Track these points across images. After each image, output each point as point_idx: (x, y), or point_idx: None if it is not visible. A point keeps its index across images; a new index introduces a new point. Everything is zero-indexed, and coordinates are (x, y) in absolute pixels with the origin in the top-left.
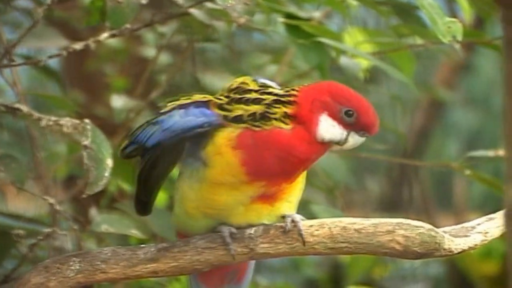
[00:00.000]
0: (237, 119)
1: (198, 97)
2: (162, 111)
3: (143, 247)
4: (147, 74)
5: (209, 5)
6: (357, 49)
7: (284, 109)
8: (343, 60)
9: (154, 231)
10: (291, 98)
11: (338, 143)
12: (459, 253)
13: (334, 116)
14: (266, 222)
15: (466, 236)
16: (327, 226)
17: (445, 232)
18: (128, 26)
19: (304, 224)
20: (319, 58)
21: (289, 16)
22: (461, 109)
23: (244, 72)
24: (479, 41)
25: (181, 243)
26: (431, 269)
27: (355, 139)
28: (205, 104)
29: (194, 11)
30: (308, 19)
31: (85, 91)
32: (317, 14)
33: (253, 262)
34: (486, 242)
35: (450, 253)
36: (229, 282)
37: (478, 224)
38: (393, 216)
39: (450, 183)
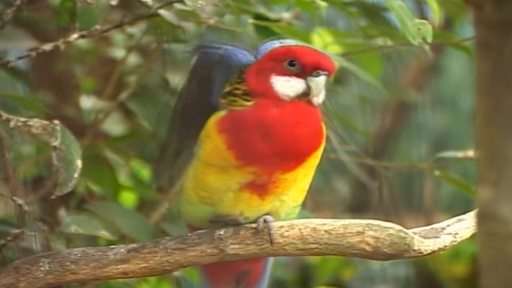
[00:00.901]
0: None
1: None
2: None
3: (113, 248)
4: (116, 75)
5: (178, 6)
6: (326, 50)
7: (244, 87)
8: None
9: (123, 232)
10: (242, 77)
11: (305, 94)
12: (428, 254)
13: (282, 73)
14: (257, 216)
15: (436, 237)
16: (297, 227)
17: (414, 233)
18: (98, 27)
19: (274, 225)
20: None
21: (259, 17)
22: (430, 110)
23: None
24: (448, 42)
25: (151, 244)
26: (400, 270)
27: (315, 82)
28: None
29: (163, 12)
30: (277, 20)
31: (54, 92)
32: (286, 15)
33: (269, 265)
34: (456, 243)
35: (420, 254)
36: (239, 283)
37: (448, 225)
38: (362, 218)
39: (418, 185)
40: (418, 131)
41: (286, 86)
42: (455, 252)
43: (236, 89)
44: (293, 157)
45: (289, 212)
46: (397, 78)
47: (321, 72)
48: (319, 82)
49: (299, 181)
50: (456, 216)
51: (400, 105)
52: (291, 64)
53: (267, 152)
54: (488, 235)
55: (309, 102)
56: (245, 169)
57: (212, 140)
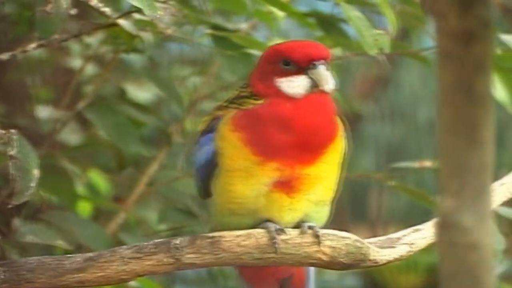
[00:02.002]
0: (223, 106)
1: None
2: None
3: (70, 257)
4: (73, 85)
5: (136, 16)
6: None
7: (250, 89)
8: None
9: (80, 241)
10: (247, 84)
11: (313, 88)
12: (384, 264)
13: (282, 74)
14: (292, 219)
15: (391, 247)
16: (254, 237)
17: (370, 243)
18: (56, 36)
19: (230, 234)
20: (246, 70)
21: (216, 27)
22: (380, 122)
23: (167, 82)
24: (406, 53)
25: (108, 253)
26: (348, 281)
27: (317, 73)
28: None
29: (122, 21)
30: (235, 31)
31: (7, 102)
32: (244, 26)
33: (312, 273)
34: (412, 253)
35: (376, 264)
36: None
37: (404, 235)
38: None
39: (364, 196)
40: (367, 143)
41: (292, 86)
42: (405, 263)
43: (242, 92)
44: (310, 149)
45: (318, 210)
46: (348, 89)
47: (317, 63)
48: (321, 72)
49: (324, 178)
50: (412, 227)
51: (350, 117)
52: (286, 63)
53: (283, 144)
54: (449, 244)
55: (323, 92)
56: (267, 165)
57: (229, 142)
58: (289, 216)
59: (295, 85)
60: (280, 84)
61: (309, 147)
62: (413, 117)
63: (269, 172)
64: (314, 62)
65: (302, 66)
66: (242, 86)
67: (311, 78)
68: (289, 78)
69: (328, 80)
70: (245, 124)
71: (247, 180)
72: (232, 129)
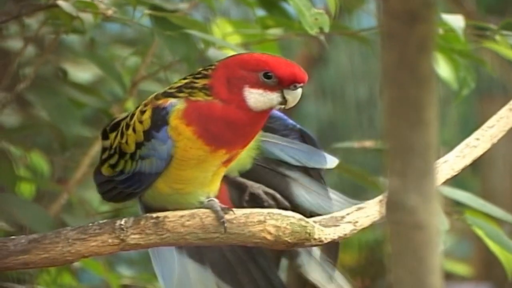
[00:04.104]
0: (171, 94)
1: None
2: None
3: (14, 238)
4: (13, 67)
5: None
6: (224, 41)
7: (203, 82)
8: (211, 52)
9: (22, 223)
10: (208, 72)
11: (277, 105)
12: (329, 242)
13: (256, 85)
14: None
15: (336, 225)
16: (198, 217)
17: (315, 221)
18: None
19: (174, 214)
20: (187, 50)
21: (155, 8)
22: (314, 101)
23: (108, 62)
24: (345, 33)
25: (52, 234)
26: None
27: (292, 95)
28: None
29: (61, 2)
30: (174, 11)
31: None
32: (183, 6)
33: None
34: (356, 231)
35: (321, 243)
36: None
37: (348, 214)
38: None
39: None
40: (302, 122)
41: (261, 100)
42: (348, 240)
43: (194, 82)
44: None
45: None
46: None
47: (297, 85)
48: (297, 95)
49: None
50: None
51: None
52: (267, 76)
53: (230, 138)
54: (396, 224)
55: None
56: (218, 152)
57: (183, 135)
58: (219, 182)
59: (264, 100)
60: (248, 94)
61: (249, 139)
62: (353, 95)
63: (220, 157)
64: (296, 84)
65: (284, 84)
66: (196, 76)
67: (283, 98)
68: (261, 92)
69: (293, 103)
70: (197, 118)
71: (199, 165)
72: (185, 122)
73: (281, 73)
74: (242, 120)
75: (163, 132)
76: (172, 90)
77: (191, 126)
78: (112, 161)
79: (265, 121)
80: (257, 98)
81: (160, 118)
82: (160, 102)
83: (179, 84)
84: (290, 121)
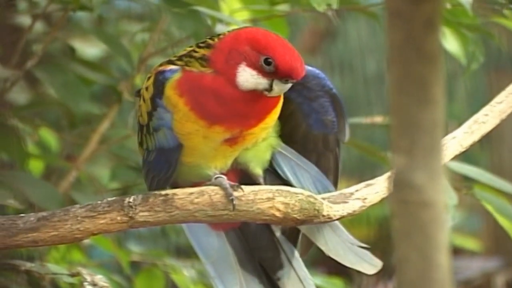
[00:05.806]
0: (173, 62)
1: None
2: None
3: (23, 216)
4: (21, 44)
5: None
6: (232, 17)
7: (203, 52)
8: (219, 28)
9: (32, 201)
10: (213, 42)
11: (263, 91)
12: (338, 219)
13: (253, 65)
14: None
15: (344, 202)
16: (207, 194)
17: (323, 198)
18: None
19: (183, 191)
20: (195, 27)
21: None
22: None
23: (115, 39)
24: (354, 8)
25: (61, 212)
26: None
27: (279, 87)
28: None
29: None
30: None
31: None
32: None
33: None
34: (365, 208)
35: (329, 220)
36: None
37: (357, 191)
38: None
39: None
40: None
41: (250, 81)
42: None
43: (195, 52)
44: (250, 119)
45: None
46: (297, 43)
47: (290, 80)
48: (285, 88)
49: (261, 134)
50: (364, 182)
51: None
52: (267, 62)
53: (223, 115)
54: (402, 202)
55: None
56: (213, 128)
57: (176, 106)
58: (229, 161)
59: (252, 81)
60: (241, 70)
61: (248, 120)
62: (362, 70)
63: (219, 134)
64: (290, 79)
65: (278, 75)
66: (199, 45)
67: (270, 86)
68: (255, 74)
69: (276, 94)
70: (188, 89)
71: (201, 139)
72: (178, 93)
73: (281, 65)
74: (228, 95)
75: (162, 105)
76: (173, 58)
77: (183, 97)
78: (139, 138)
79: (267, 106)
80: (247, 77)
81: (160, 84)
82: (161, 67)
83: (182, 53)
84: (328, 82)
